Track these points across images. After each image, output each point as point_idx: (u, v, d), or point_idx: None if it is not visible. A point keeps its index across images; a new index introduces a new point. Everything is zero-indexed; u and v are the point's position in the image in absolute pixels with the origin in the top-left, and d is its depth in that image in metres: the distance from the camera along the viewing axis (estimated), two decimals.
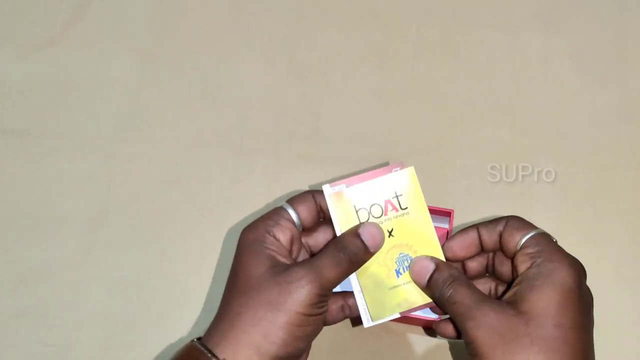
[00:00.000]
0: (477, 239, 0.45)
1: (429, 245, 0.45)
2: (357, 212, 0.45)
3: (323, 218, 0.47)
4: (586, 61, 0.66)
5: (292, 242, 0.45)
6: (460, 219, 0.58)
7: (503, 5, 0.69)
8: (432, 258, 0.44)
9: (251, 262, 0.43)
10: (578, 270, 0.41)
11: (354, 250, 0.42)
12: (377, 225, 0.44)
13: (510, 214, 0.45)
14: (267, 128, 0.65)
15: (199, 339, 0.43)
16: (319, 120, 0.65)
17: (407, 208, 0.46)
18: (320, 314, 0.42)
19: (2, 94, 0.67)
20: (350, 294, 0.46)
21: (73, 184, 0.63)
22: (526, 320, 0.38)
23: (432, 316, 0.53)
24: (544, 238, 0.42)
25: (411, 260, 0.45)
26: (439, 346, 0.55)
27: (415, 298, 0.45)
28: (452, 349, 0.55)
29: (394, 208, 0.45)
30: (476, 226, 0.45)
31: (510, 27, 0.68)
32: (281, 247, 0.44)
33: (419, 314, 0.53)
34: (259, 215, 0.47)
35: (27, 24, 0.70)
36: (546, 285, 0.39)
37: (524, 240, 0.42)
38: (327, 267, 0.41)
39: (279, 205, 0.47)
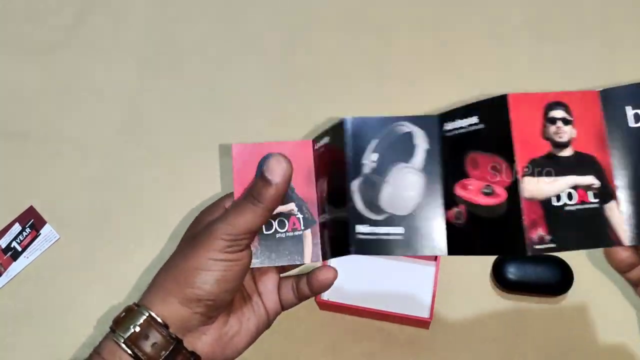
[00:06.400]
0: None
1: None
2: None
3: None
4: (574, 69, 0.68)
5: None
6: None
7: (493, 15, 0.70)
8: None
9: (191, 227, 0.45)
10: None
11: (257, 190, 0.41)
12: (277, 156, 0.41)
13: None
14: (263, 132, 0.66)
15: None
16: (315, 124, 0.66)
17: None
18: (232, 260, 0.42)
19: (5, 98, 0.68)
20: (302, 277, 0.46)
21: (74, 186, 0.64)
22: None
23: (425, 316, 0.55)
24: None
25: None
26: (431, 346, 0.57)
27: None
28: (445, 348, 0.57)
29: None
30: None
31: (501, 36, 0.69)
32: None
33: (412, 313, 0.55)
34: None
35: (30, 29, 0.71)
36: None
37: None
38: (234, 213, 0.42)
39: None
